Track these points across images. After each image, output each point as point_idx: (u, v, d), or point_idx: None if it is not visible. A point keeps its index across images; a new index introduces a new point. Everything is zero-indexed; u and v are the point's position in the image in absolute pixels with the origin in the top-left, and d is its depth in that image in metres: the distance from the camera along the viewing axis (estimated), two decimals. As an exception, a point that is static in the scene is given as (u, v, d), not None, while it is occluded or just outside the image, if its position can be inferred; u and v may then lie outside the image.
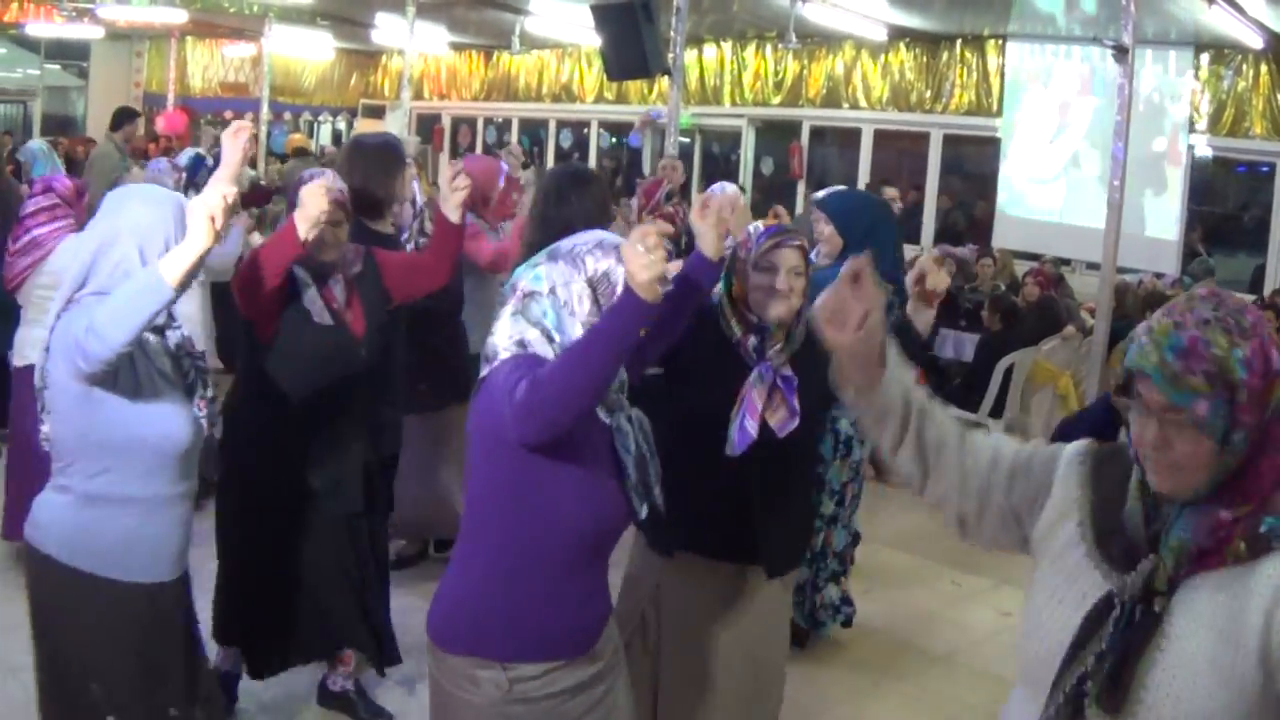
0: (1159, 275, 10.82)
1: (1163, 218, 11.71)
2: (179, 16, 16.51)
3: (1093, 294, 8.77)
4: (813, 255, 5.53)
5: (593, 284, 2.52)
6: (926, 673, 5.07)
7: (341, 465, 3.86)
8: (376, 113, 20.33)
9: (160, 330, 2.92)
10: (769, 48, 14.95)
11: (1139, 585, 1.78)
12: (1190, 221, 11.87)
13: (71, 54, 20.59)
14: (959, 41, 13.24)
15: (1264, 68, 11.06)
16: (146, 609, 2.92)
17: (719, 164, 16.13)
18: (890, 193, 7.73)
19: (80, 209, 4.80)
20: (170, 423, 2.87)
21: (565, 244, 2.59)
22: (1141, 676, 1.77)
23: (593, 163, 17.26)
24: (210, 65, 21.44)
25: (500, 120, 19.17)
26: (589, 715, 2.62)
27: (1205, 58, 11.42)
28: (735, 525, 3.14)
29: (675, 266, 3.10)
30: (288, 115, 20.62)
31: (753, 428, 2.96)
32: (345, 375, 3.78)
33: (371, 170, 4.50)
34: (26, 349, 4.89)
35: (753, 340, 3.09)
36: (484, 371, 2.52)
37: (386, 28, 15.91)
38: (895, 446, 2.07)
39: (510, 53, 16.31)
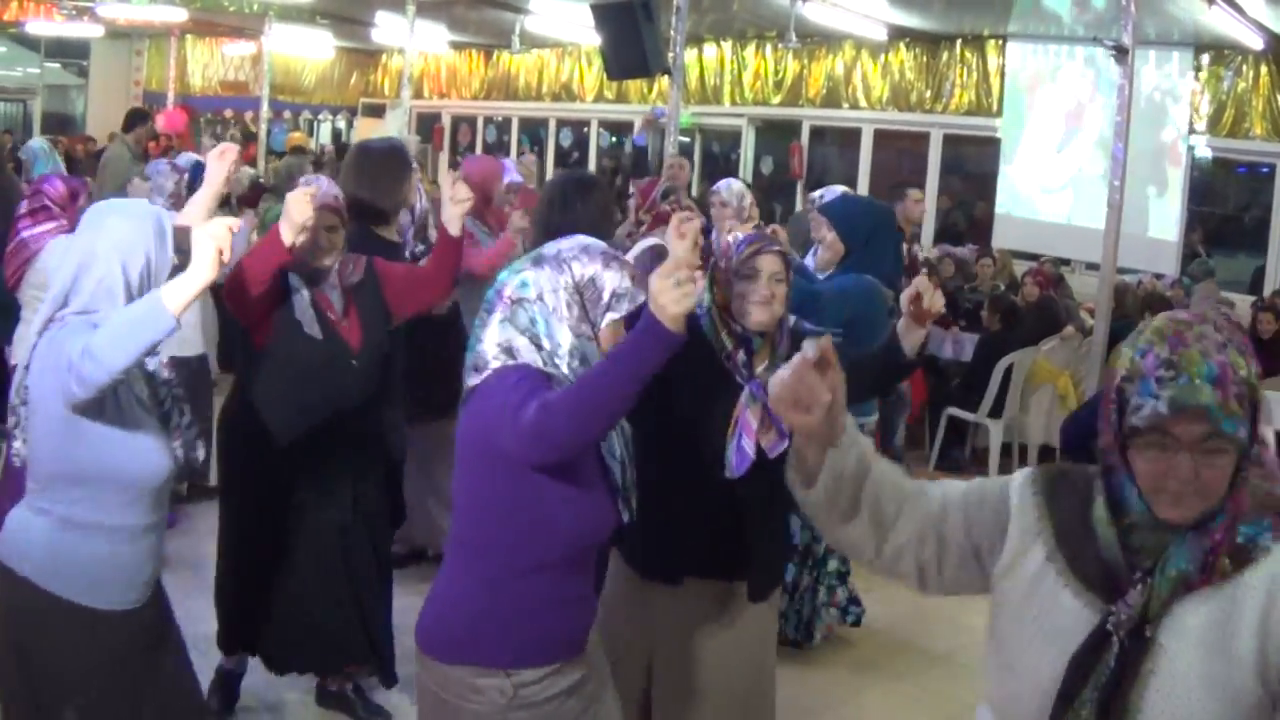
0: (1158, 276, 10.81)
1: (1162, 218, 11.71)
2: (179, 15, 16.50)
3: (1092, 294, 8.77)
4: (810, 255, 5.55)
5: (580, 289, 2.51)
6: (926, 673, 5.07)
7: (331, 476, 3.84)
8: (376, 111, 20.33)
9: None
10: (769, 47, 14.95)
11: (1134, 615, 1.77)
12: (1190, 222, 11.87)
13: (71, 52, 20.59)
14: (959, 41, 13.23)
15: (1264, 69, 11.05)
16: (121, 635, 2.89)
17: (719, 163, 16.12)
18: (915, 195, 7.70)
19: (73, 211, 4.79)
20: (149, 456, 2.84)
21: (550, 249, 2.59)
22: (1136, 702, 1.77)
23: (592, 162, 17.28)
24: (210, 64, 21.44)
25: (500, 119, 19.17)
26: (584, 715, 2.63)
27: (1205, 58, 11.41)
28: (725, 543, 3.12)
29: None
30: (288, 114, 20.63)
31: (750, 448, 2.93)
32: (338, 386, 3.76)
33: (379, 176, 4.48)
34: (21, 348, 4.89)
35: (741, 355, 3.07)
36: (472, 380, 2.50)
37: (386, 26, 15.91)
38: (847, 519, 1.98)
39: (510, 52, 16.31)
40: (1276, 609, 1.77)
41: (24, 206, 4.84)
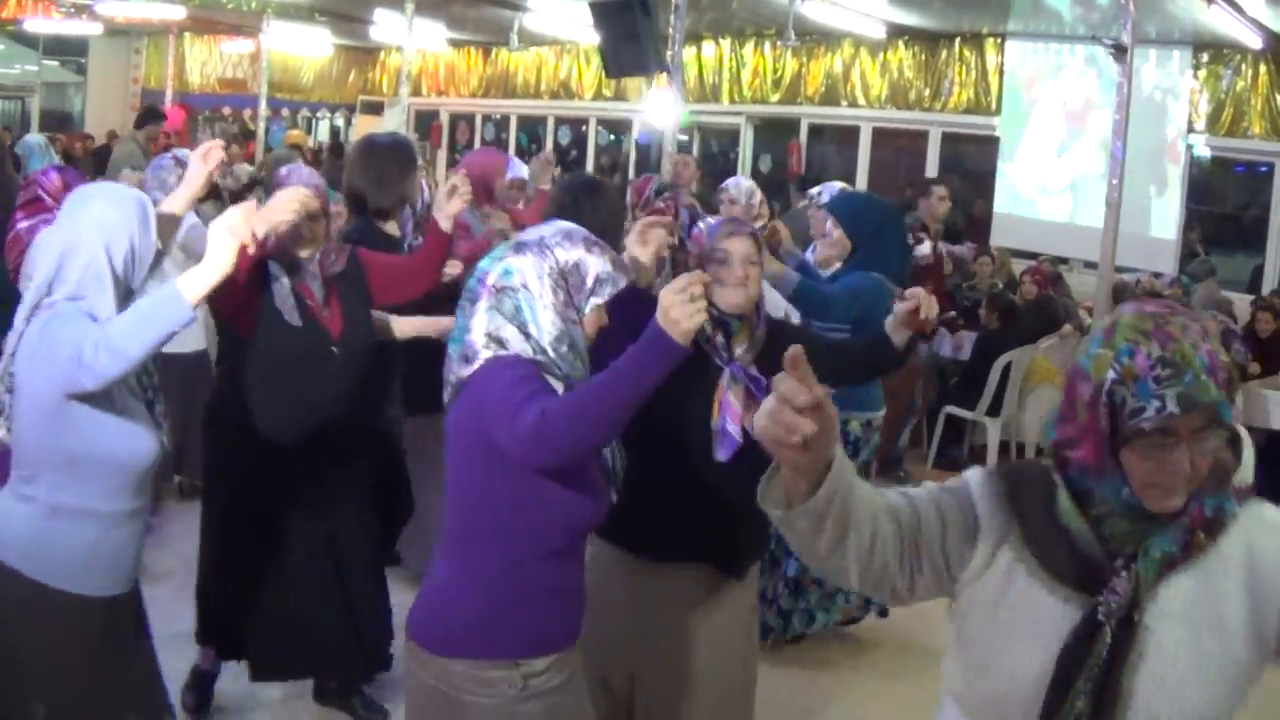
0: (1157, 274, 10.82)
1: (1161, 217, 11.71)
2: (177, 12, 16.50)
3: (1090, 293, 8.78)
4: (809, 251, 5.55)
5: (564, 275, 2.52)
6: (926, 672, 5.04)
7: (319, 471, 3.82)
8: (375, 109, 20.32)
9: None
10: (768, 45, 14.94)
11: (1124, 603, 1.77)
12: (1188, 221, 11.87)
13: (70, 50, 20.60)
14: (958, 40, 13.23)
15: (1263, 68, 11.05)
16: (103, 622, 2.89)
17: (717, 162, 16.12)
18: (940, 192, 7.71)
19: None
20: (138, 440, 2.84)
21: (531, 235, 2.59)
22: (1128, 687, 1.77)
23: (590, 160, 17.27)
24: (208, 61, 21.44)
25: (498, 117, 19.16)
26: (580, 702, 2.66)
27: (1204, 57, 11.41)
28: (708, 524, 3.13)
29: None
30: (286, 111, 20.64)
31: (736, 431, 2.93)
32: (319, 375, 3.75)
33: (383, 171, 4.46)
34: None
35: (720, 338, 3.08)
36: (463, 371, 2.49)
37: (385, 24, 15.89)
38: (835, 544, 1.83)
39: (509, 49, 16.28)
40: (1261, 568, 1.80)
41: (20, 199, 4.84)
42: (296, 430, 3.72)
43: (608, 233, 3.56)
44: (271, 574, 3.81)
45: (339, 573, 3.88)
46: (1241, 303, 9.57)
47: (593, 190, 4.15)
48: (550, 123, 18.22)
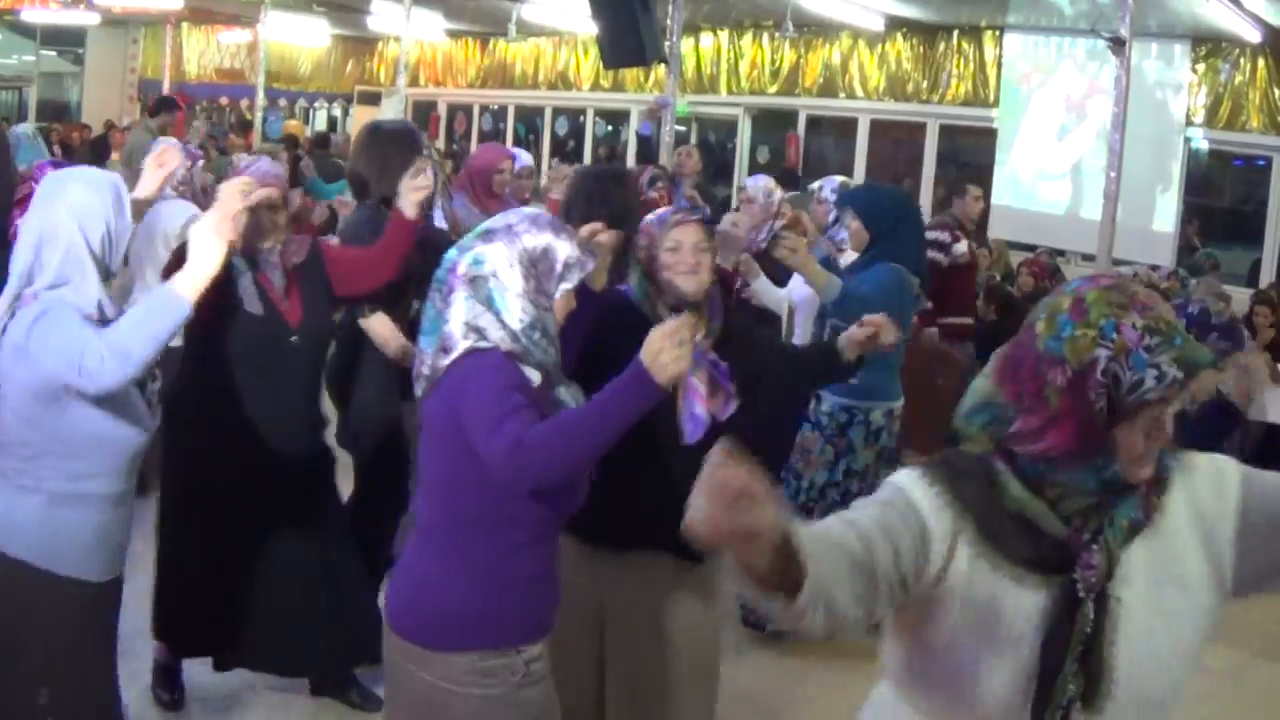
0: (1154, 267, 10.81)
1: (1159, 211, 11.71)
2: (175, 2, 16.51)
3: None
4: (821, 245, 5.57)
5: (534, 261, 2.51)
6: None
7: (278, 465, 3.77)
8: (372, 99, 20.30)
9: (105, 322, 2.83)
10: (766, 36, 14.92)
11: (1100, 576, 1.77)
12: (1186, 215, 11.87)
13: (67, 40, 20.58)
14: (956, 32, 13.22)
15: (1261, 62, 11.05)
16: (104, 607, 2.91)
17: (715, 153, 16.11)
18: (975, 192, 7.65)
19: None
20: (131, 420, 2.84)
21: (497, 222, 2.58)
22: (1110, 659, 1.77)
23: (588, 151, 17.26)
24: (206, 51, 21.43)
25: (496, 108, 19.14)
26: (552, 683, 2.66)
27: (1203, 51, 11.40)
28: (668, 514, 3.12)
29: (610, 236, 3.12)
30: (283, 102, 20.62)
31: (703, 413, 2.91)
32: (278, 364, 3.73)
33: (389, 157, 4.43)
34: None
35: None
36: (442, 361, 2.49)
37: (382, 14, 15.87)
38: (846, 614, 1.72)
39: (506, 40, 16.28)
40: (1206, 516, 1.82)
41: (19, 195, 4.82)
42: (256, 420, 3.71)
43: (631, 219, 3.56)
44: (235, 569, 3.78)
45: (305, 565, 3.84)
46: (1242, 296, 9.57)
47: (622, 179, 4.13)
48: (548, 113, 18.20)
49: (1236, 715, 4.73)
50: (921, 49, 13.57)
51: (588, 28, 11.85)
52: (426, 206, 4.39)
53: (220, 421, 3.70)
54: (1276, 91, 11.02)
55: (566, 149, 17.78)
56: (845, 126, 14.57)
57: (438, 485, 2.56)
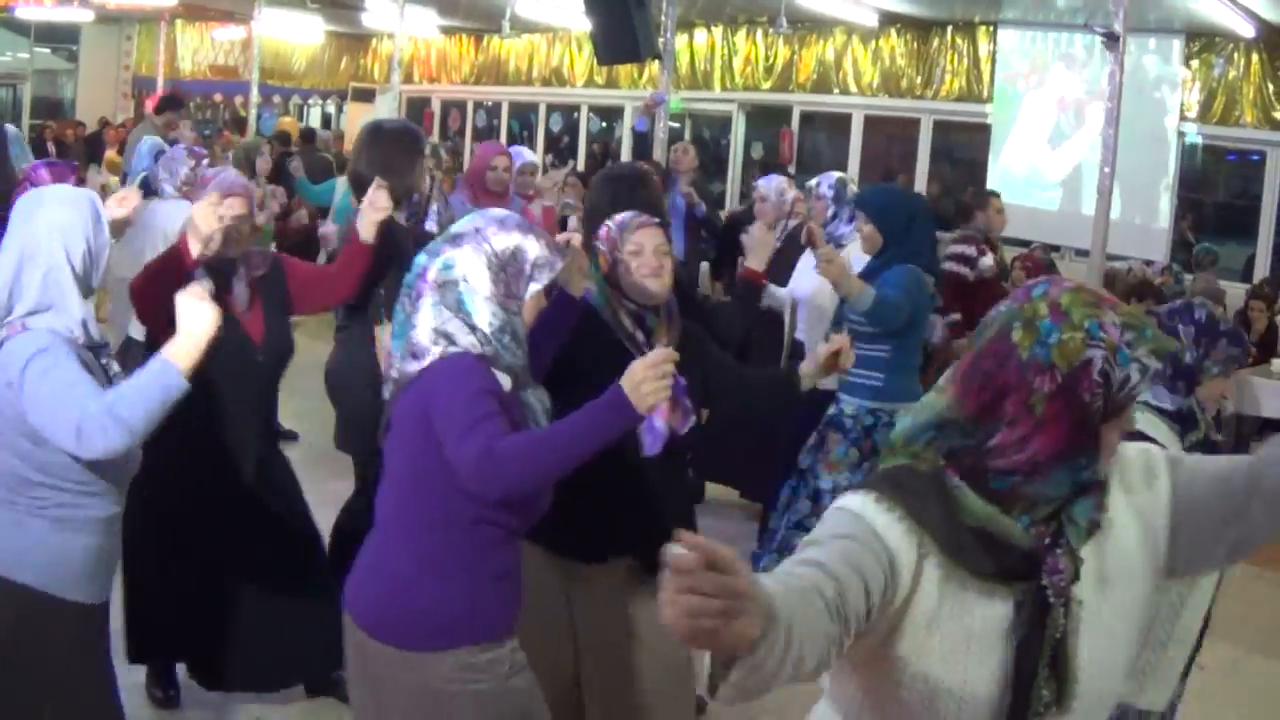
0: (1148, 262, 10.82)
1: (1153, 206, 11.70)
2: (168, -1, 16.47)
3: (1082, 281, 8.77)
4: (834, 237, 5.58)
5: (503, 264, 2.51)
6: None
7: (239, 472, 3.78)
8: (366, 96, 20.28)
9: (91, 345, 2.82)
10: (760, 33, 14.90)
11: (1066, 578, 1.77)
12: (1181, 210, 11.88)
13: (61, 37, 20.57)
14: (950, 28, 13.21)
15: (1255, 56, 11.04)
16: (103, 624, 2.93)
17: (709, 149, 16.09)
18: (997, 204, 7.57)
19: None
20: None
21: (464, 225, 2.58)
22: (1074, 660, 1.78)
23: (582, 147, 17.25)
24: (200, 48, 21.41)
25: (490, 104, 19.11)
26: (531, 672, 2.68)
27: (1196, 46, 11.39)
28: (632, 524, 3.12)
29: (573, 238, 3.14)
30: (277, 98, 20.59)
31: (663, 426, 2.91)
32: (240, 377, 3.71)
33: (391, 158, 4.40)
34: None
35: (639, 334, 3.11)
36: (410, 367, 2.48)
37: (376, 11, 15.86)
38: (826, 661, 1.66)
39: (500, 36, 16.22)
40: (1145, 506, 1.85)
41: (15, 197, 4.81)
42: (218, 434, 3.70)
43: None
44: (203, 587, 3.77)
45: (274, 577, 3.83)
46: (1237, 291, 9.58)
47: (644, 180, 4.14)
48: (542, 110, 18.18)
49: (1231, 711, 4.74)
50: (915, 45, 13.56)
51: (582, 24, 11.84)
52: (421, 210, 4.38)
53: (184, 436, 3.60)
54: (1270, 86, 11.02)
55: (560, 145, 17.77)
56: (839, 122, 14.55)
57: (407, 485, 2.55)
